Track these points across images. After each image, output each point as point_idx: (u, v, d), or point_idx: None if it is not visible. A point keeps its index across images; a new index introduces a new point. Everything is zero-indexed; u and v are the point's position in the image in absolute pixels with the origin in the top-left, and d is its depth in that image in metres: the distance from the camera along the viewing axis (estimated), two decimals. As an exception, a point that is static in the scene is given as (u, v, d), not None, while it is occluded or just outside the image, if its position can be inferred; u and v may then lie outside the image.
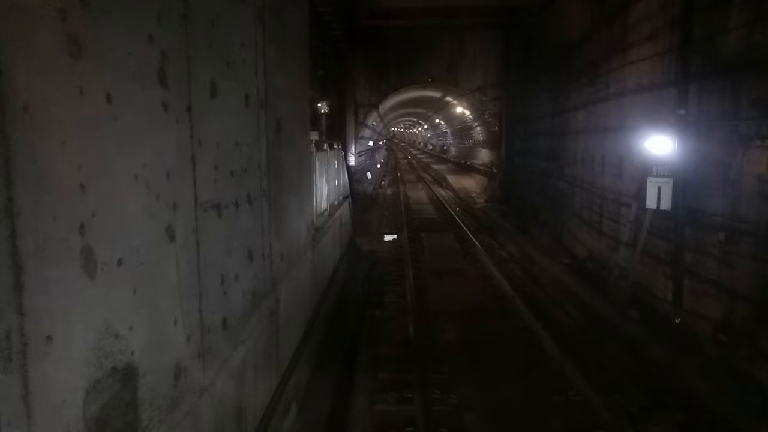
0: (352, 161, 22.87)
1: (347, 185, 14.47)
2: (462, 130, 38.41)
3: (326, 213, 9.74)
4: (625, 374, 6.56)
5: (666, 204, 7.95)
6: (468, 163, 37.29)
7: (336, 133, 20.69)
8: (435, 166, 46.19)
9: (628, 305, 8.64)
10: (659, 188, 8.00)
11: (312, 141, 7.71)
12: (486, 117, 24.80)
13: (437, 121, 47.89)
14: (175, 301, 2.80)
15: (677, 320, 7.70)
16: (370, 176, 29.66)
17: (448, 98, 30.76)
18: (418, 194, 27.45)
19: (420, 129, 74.57)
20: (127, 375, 2.28)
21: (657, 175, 8.08)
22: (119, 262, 2.23)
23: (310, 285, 7.14)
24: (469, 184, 30.73)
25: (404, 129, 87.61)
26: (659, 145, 8.12)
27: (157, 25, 2.60)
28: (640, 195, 8.64)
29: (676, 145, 7.89)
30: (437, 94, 30.56)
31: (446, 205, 21.78)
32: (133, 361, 2.33)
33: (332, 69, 21.26)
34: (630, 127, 9.77)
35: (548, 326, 7.89)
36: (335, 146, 11.90)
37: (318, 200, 8.74)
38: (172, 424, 2.68)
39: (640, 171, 8.84)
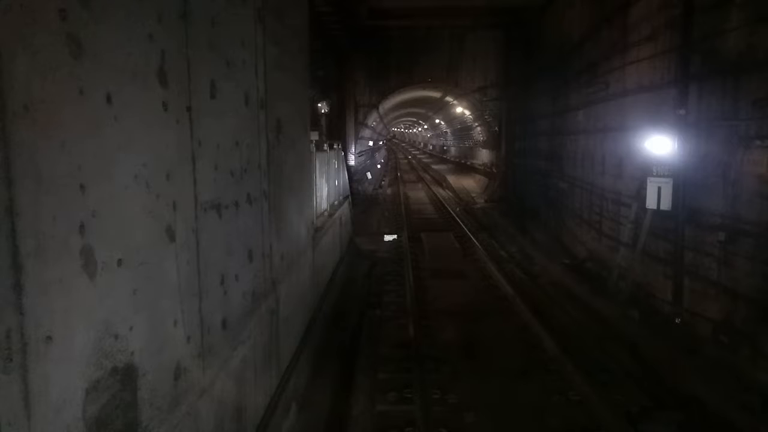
0: (352, 161, 22.86)
1: (347, 185, 14.47)
2: (462, 130, 38.41)
3: (326, 213, 9.75)
4: (625, 374, 6.56)
5: (666, 204, 7.95)
6: (468, 163, 37.29)
7: (336, 133, 20.68)
8: (435, 167, 46.17)
9: (628, 305, 8.64)
10: (659, 188, 8.00)
11: (312, 141, 7.71)
12: (486, 117, 24.80)
13: (437, 121, 47.89)
14: (175, 301, 2.80)
15: (677, 320, 7.70)
16: (370, 176, 29.66)
17: (448, 98, 30.76)
18: (418, 194, 27.44)
19: (420, 129, 74.58)
20: (127, 375, 2.28)
21: (657, 175, 8.08)
22: (119, 262, 2.23)
23: (310, 285, 7.14)
24: (469, 184, 30.73)
25: (404, 129, 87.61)
26: (659, 145, 8.12)
27: (157, 25, 2.60)
28: (640, 195, 8.64)
29: (676, 146, 7.89)
30: (437, 94, 30.56)
31: (446, 205, 21.78)
32: (133, 361, 2.33)
33: (332, 69, 21.26)
34: (630, 127, 9.77)
35: (548, 326, 7.89)
36: (335, 146, 11.90)
37: (318, 200, 8.74)
38: (172, 424, 2.68)
39: (640, 171, 8.84)
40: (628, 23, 10.02)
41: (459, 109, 32.06)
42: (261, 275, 4.54)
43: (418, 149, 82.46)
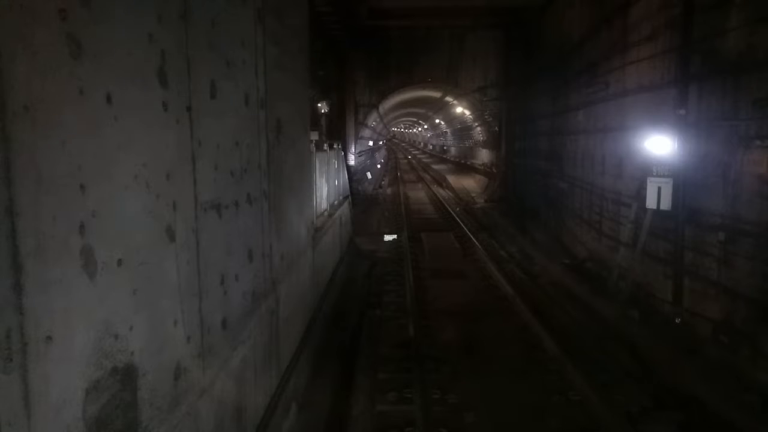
0: (352, 161, 22.86)
1: (347, 185, 14.47)
2: (462, 130, 38.41)
3: (326, 213, 9.75)
4: (625, 374, 6.55)
5: (666, 204, 7.95)
6: (468, 163, 37.29)
7: (336, 133, 20.68)
8: (435, 166, 46.17)
9: (628, 305, 8.64)
10: (659, 188, 8.00)
11: (312, 141, 7.71)
12: (486, 117, 24.80)
13: (437, 121, 47.88)
14: (175, 301, 2.80)
15: (677, 320, 7.70)
16: (370, 176, 29.67)
17: (448, 98, 30.76)
18: (418, 194, 27.44)
19: (420, 129, 74.57)
20: (127, 375, 2.28)
21: (657, 175, 8.08)
22: (119, 262, 2.23)
23: (310, 285, 7.14)
24: (469, 184, 30.73)
25: (404, 129, 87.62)
26: (659, 145, 8.12)
27: (157, 25, 2.59)
28: (640, 195, 8.64)
29: (676, 145, 7.89)
30: (437, 94, 30.55)
31: (446, 205, 21.78)
32: (133, 361, 2.33)
33: (332, 69, 21.26)
34: (630, 127, 9.77)
35: (548, 326, 7.89)
36: (335, 146, 11.90)
37: (318, 200, 8.74)
38: (172, 424, 2.68)
39: (640, 171, 8.84)
40: (628, 23, 10.02)
41: (459, 109, 32.06)
42: (261, 275, 4.54)
43: (418, 149, 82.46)
